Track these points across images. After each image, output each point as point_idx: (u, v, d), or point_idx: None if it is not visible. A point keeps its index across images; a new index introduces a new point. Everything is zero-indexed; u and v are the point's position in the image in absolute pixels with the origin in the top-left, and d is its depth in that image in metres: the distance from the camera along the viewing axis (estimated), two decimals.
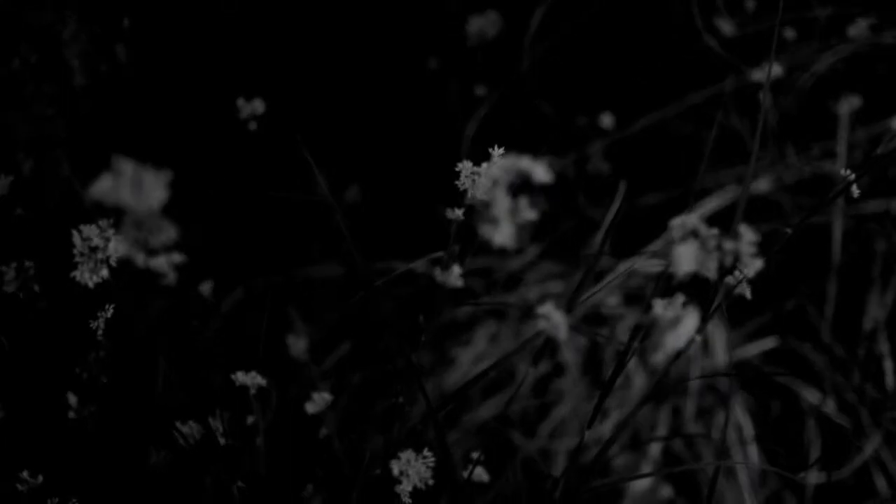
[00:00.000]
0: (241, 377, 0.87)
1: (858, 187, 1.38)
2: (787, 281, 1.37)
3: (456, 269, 0.65)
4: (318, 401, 0.93)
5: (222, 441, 0.93)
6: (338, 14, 1.34)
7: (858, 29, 1.32)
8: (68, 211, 1.03)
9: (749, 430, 1.29)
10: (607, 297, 1.35)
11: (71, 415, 0.93)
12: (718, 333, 1.33)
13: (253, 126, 1.07)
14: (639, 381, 1.33)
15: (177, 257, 0.58)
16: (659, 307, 0.58)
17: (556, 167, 1.35)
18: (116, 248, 0.51)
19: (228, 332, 1.10)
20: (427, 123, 1.36)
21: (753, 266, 0.58)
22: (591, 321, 1.37)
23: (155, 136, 1.23)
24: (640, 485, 1.28)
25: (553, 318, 0.58)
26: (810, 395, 1.31)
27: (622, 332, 1.32)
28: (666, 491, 1.28)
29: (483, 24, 1.32)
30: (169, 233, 0.53)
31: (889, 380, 1.30)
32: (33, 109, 1.27)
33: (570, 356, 1.37)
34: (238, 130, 1.12)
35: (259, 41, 1.31)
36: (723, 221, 1.15)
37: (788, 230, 0.78)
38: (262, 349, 1.11)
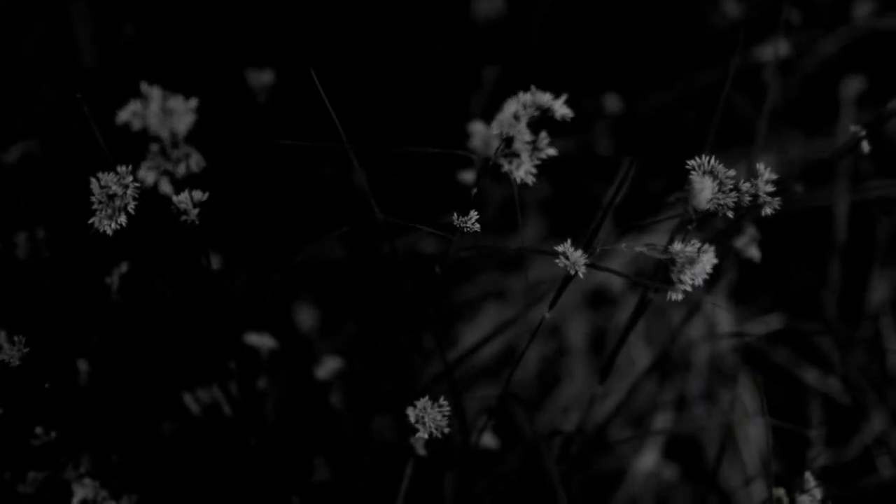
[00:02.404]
0: (252, 338, 0.87)
1: (862, 170, 1.39)
2: (792, 262, 1.37)
3: (474, 214, 0.65)
4: (328, 366, 0.94)
5: (232, 408, 0.93)
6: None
7: (862, 12, 1.33)
8: (81, 172, 1.04)
9: (754, 409, 1.29)
10: (612, 278, 1.36)
11: (82, 380, 0.93)
12: (724, 312, 1.33)
13: (262, 98, 1.08)
14: (642, 362, 1.34)
15: (198, 194, 0.58)
16: (677, 245, 0.59)
17: (561, 148, 1.36)
18: (144, 176, 0.52)
19: (238, 307, 1.10)
20: (433, 105, 1.37)
21: (772, 205, 0.59)
22: (597, 301, 1.37)
23: None
24: (645, 466, 1.28)
25: (571, 256, 0.59)
26: (815, 375, 1.31)
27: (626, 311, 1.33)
28: (671, 472, 1.28)
29: (487, 7, 1.33)
30: (196, 160, 0.53)
31: (893, 359, 1.30)
32: (43, 90, 1.28)
33: (575, 338, 1.37)
34: (247, 103, 1.13)
35: (268, 22, 1.32)
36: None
37: (799, 188, 0.79)
38: (272, 322, 1.11)
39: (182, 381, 0.88)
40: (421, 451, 0.70)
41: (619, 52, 1.39)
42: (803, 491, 0.71)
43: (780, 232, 1.38)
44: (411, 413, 0.68)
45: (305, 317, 1.16)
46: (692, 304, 1.32)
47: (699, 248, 0.58)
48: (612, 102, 1.36)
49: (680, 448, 1.31)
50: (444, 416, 0.69)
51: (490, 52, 1.33)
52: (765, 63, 1.32)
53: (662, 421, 1.31)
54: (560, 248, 0.59)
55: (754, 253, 0.85)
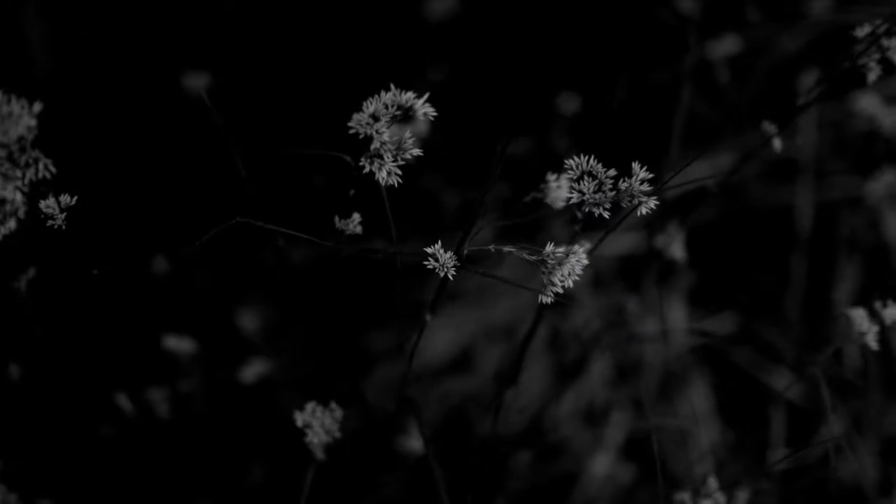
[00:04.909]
0: (171, 342, 0.87)
1: (829, 168, 1.37)
2: (755, 262, 1.35)
3: (356, 217, 0.64)
4: (255, 369, 0.93)
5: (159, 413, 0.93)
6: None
7: (821, 8, 1.31)
8: None
9: (709, 409, 1.27)
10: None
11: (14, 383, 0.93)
12: (681, 312, 1.32)
13: (202, 101, 1.07)
14: (598, 367, 1.32)
15: (66, 199, 0.58)
16: (548, 247, 0.58)
17: (515, 147, 1.35)
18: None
19: (173, 308, 1.10)
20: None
21: (647, 204, 0.58)
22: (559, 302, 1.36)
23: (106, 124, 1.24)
24: (601, 467, 1.27)
25: (440, 259, 0.58)
26: (776, 378, 1.30)
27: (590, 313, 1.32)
28: (626, 473, 1.27)
29: (439, 7, 1.32)
30: (43, 166, 0.53)
31: (854, 362, 1.28)
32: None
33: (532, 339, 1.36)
34: (191, 114, 1.12)
35: (220, 29, 1.31)
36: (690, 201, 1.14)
37: (713, 187, 0.78)
38: (209, 323, 1.11)
39: (100, 386, 0.87)
40: (319, 455, 0.70)
41: (575, 51, 1.37)
42: (707, 495, 0.69)
43: (742, 231, 1.36)
44: (298, 417, 0.67)
45: (249, 319, 1.15)
46: (649, 304, 1.31)
47: (569, 250, 0.57)
48: (569, 101, 1.35)
49: (637, 448, 1.29)
50: (335, 420, 0.68)
51: (441, 52, 1.32)
52: (720, 57, 1.30)
53: (619, 421, 1.29)
54: (430, 250, 0.58)
55: (677, 253, 0.84)
